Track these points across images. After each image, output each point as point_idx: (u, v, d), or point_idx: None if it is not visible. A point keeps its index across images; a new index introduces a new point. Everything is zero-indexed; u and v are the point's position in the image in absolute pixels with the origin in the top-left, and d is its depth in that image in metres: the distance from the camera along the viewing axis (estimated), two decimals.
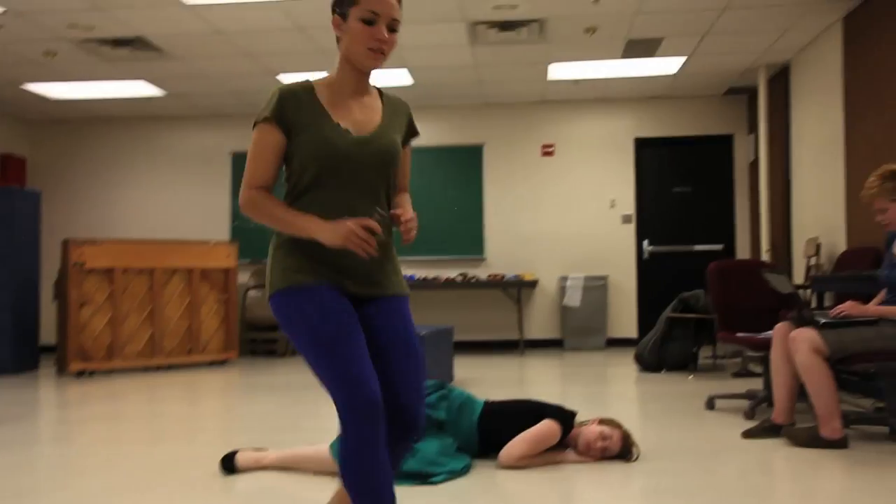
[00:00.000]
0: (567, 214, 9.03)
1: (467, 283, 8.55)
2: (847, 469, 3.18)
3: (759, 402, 4.48)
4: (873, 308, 3.65)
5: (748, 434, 3.85)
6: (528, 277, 8.66)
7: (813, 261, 6.51)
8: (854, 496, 2.77)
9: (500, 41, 6.65)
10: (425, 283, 8.61)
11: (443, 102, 9.10)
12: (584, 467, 3.29)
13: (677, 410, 4.66)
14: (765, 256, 7.60)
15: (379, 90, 2.10)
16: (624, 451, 3.37)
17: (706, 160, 9.03)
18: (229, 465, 3.24)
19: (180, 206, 9.50)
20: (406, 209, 2.04)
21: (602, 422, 3.44)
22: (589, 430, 3.38)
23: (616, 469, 3.24)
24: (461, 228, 9.12)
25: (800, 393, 3.89)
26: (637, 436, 3.83)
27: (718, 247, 8.83)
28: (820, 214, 6.66)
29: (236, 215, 9.40)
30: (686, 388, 5.61)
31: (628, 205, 8.97)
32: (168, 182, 9.53)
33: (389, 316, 2.00)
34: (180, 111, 9.28)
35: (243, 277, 9.07)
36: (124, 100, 8.56)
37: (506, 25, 6.25)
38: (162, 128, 9.57)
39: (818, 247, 6.45)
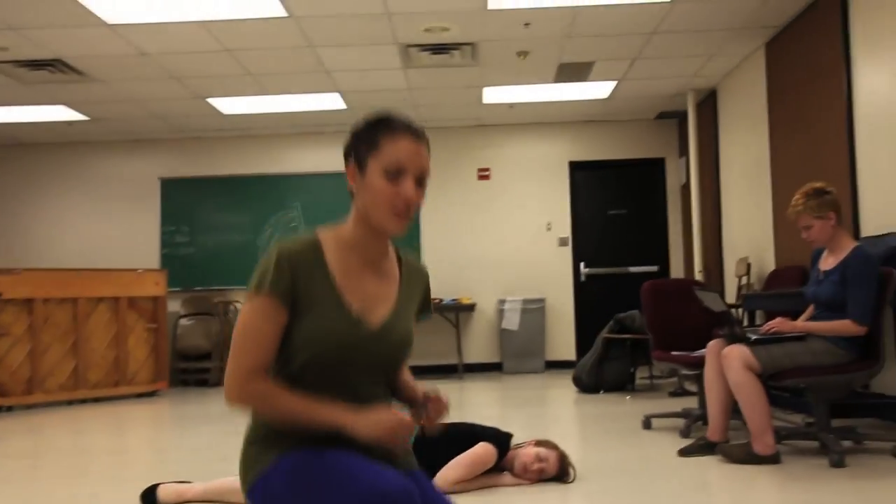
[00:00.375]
0: (504, 237, 9.04)
1: None
2: (780, 484, 3.19)
3: (694, 421, 4.49)
4: (801, 324, 3.70)
5: (684, 452, 3.85)
6: (465, 301, 8.62)
7: (744, 280, 6.63)
8: None
9: (433, 64, 6.65)
10: None
11: None
12: (521, 490, 3.23)
13: (615, 431, 4.64)
14: (698, 277, 7.72)
15: (397, 251, 1.74)
16: (561, 472, 3.32)
17: (640, 183, 9.17)
18: (150, 499, 3.07)
19: (107, 234, 9.20)
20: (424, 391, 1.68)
21: (539, 443, 3.39)
22: (525, 453, 3.33)
23: (553, 491, 3.19)
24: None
25: (733, 410, 3.91)
26: (574, 457, 3.79)
27: (654, 268, 8.94)
28: (749, 235, 6.81)
29: (165, 243, 9.15)
30: (623, 409, 5.62)
31: (564, 227, 9.04)
32: (94, 209, 9.23)
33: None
34: (105, 136, 9.02)
35: (174, 306, 8.80)
36: (45, 124, 8.27)
37: (438, 49, 6.25)
38: (86, 153, 9.28)
39: (748, 266, 6.58)
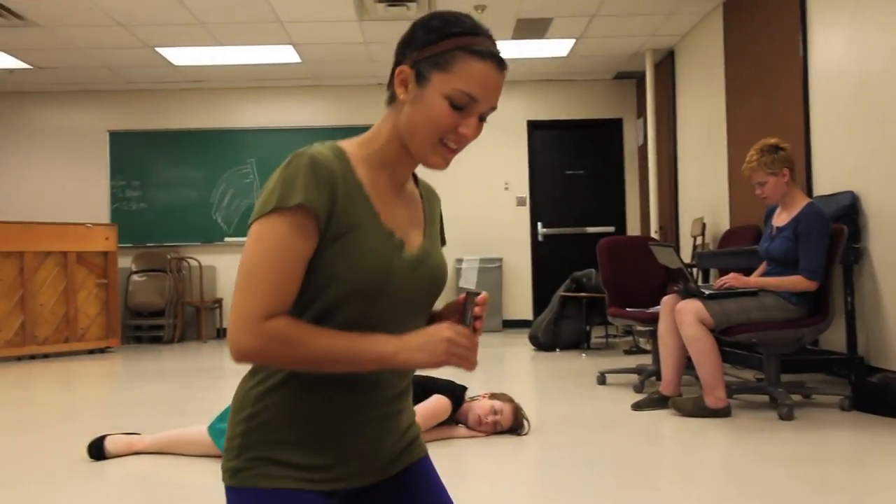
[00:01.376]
0: (462, 197, 9.00)
1: None
2: (730, 436, 3.24)
3: (647, 376, 4.55)
4: (754, 279, 3.75)
5: (637, 406, 3.90)
6: None
7: (699, 240, 6.70)
8: (737, 461, 2.82)
9: (389, 17, 6.51)
10: None
11: (332, 82, 8.90)
12: (475, 441, 3.23)
13: (570, 387, 4.68)
14: (654, 237, 7.79)
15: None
16: (515, 425, 3.34)
17: (597, 143, 9.18)
18: (97, 451, 3.01)
19: (54, 188, 8.93)
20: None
21: (493, 396, 3.39)
22: (479, 405, 3.33)
23: (507, 442, 3.20)
24: None
25: (686, 365, 3.96)
26: (529, 411, 3.81)
27: (610, 229, 9.00)
28: (705, 195, 6.87)
29: (116, 197, 8.92)
30: (579, 366, 5.67)
31: (522, 187, 9.03)
32: (40, 162, 8.94)
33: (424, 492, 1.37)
34: (49, 86, 8.71)
35: (125, 262, 8.63)
36: None
37: (394, 1, 6.11)
38: (29, 103, 8.96)
39: (703, 226, 6.64)
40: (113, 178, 8.90)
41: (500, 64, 1.24)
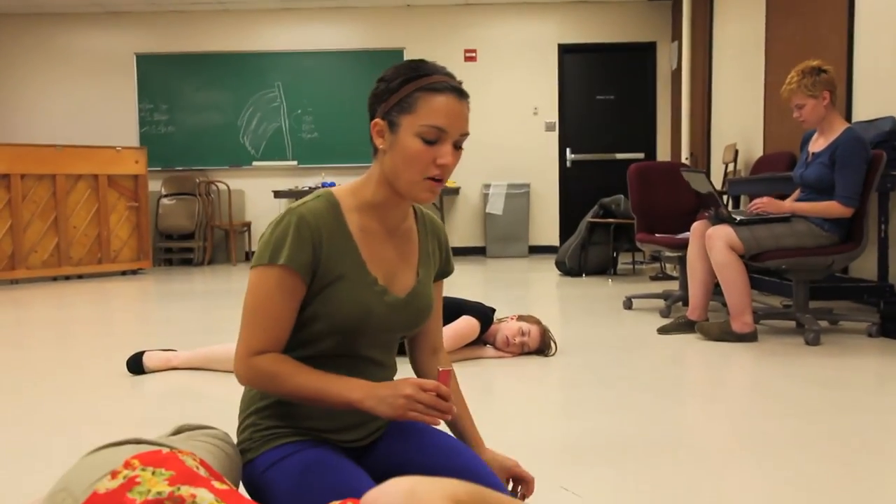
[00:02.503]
0: (490, 122, 8.91)
1: None
2: (756, 359, 3.26)
3: (674, 301, 4.56)
4: (788, 204, 3.70)
5: (663, 330, 3.92)
6: (450, 185, 8.57)
7: (730, 167, 6.61)
8: (761, 382, 2.85)
9: None
10: None
11: (362, 3, 8.75)
12: (503, 362, 3.29)
13: (596, 310, 4.72)
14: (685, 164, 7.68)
15: (413, 208, 1.54)
16: (542, 346, 3.38)
17: (630, 68, 8.99)
18: (136, 366, 3.11)
19: (83, 110, 8.97)
20: (452, 387, 1.52)
21: (521, 318, 3.43)
22: (508, 327, 3.37)
23: (534, 363, 3.25)
24: None
25: (714, 291, 3.96)
26: (556, 333, 3.86)
27: (640, 155, 8.89)
28: (739, 121, 6.73)
29: (144, 121, 8.94)
30: (605, 291, 5.69)
31: (551, 112, 8.91)
32: (68, 86, 8.97)
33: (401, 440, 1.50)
34: (76, 7, 8.66)
35: (154, 185, 8.72)
36: None
37: None
38: (56, 26, 8.93)
39: (736, 153, 6.54)
40: (141, 102, 8.92)
41: (460, 94, 1.35)
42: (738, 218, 3.71)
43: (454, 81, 1.35)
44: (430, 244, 1.54)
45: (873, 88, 4.56)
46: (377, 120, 1.36)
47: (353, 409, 1.29)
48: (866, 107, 4.63)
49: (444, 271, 1.60)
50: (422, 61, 1.36)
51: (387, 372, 1.50)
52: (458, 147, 1.36)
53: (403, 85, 1.33)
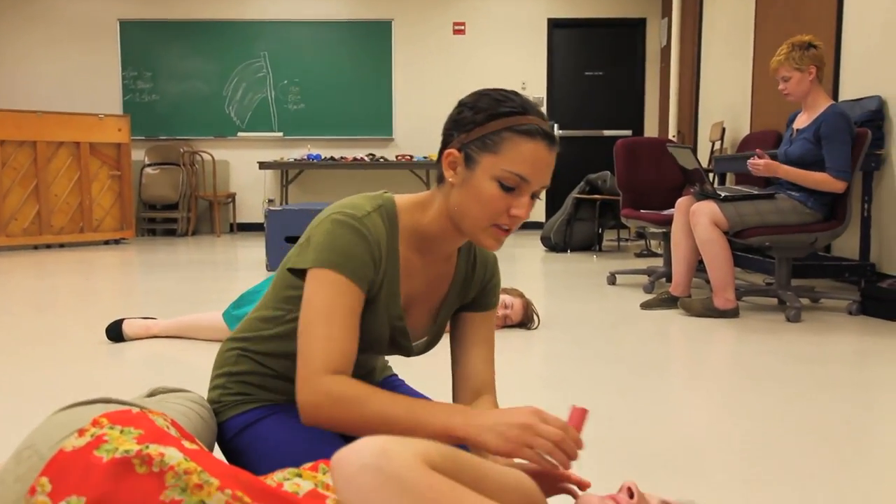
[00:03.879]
0: None
1: (375, 164, 8.37)
2: (737, 335, 3.28)
3: (658, 278, 4.58)
4: (784, 168, 3.60)
5: (646, 305, 3.93)
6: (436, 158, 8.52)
7: (717, 145, 6.61)
8: (742, 357, 2.86)
9: None
10: (332, 163, 8.38)
11: None
12: None
13: (580, 285, 4.72)
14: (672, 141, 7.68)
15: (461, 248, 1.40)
16: (525, 319, 3.38)
17: (619, 44, 8.95)
18: (115, 333, 3.08)
19: (65, 77, 8.84)
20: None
21: (504, 291, 3.42)
22: None
23: (517, 336, 3.25)
24: (369, 107, 8.86)
25: (697, 269, 3.97)
26: (539, 307, 3.86)
27: (628, 132, 8.88)
28: (726, 99, 6.72)
29: (127, 88, 8.82)
30: (590, 267, 5.70)
31: (540, 87, 8.87)
32: (50, 51, 8.82)
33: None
34: None
35: (138, 154, 8.63)
36: None
37: None
38: None
39: (723, 131, 6.54)
40: (124, 69, 8.80)
41: (551, 141, 1.20)
42: (723, 194, 3.71)
43: (547, 126, 1.20)
44: (469, 280, 1.40)
45: (860, 67, 4.56)
46: (453, 151, 1.21)
47: (449, 438, 1.07)
48: (853, 86, 4.63)
49: (483, 304, 1.41)
50: (515, 94, 1.22)
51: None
52: (534, 197, 1.22)
53: (491, 119, 1.18)
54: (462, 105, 1.23)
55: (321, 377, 1.12)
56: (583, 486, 1.16)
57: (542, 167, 1.19)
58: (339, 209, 1.22)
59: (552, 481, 1.15)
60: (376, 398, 1.10)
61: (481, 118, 1.19)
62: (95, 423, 0.91)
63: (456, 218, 1.23)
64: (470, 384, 1.38)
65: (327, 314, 1.15)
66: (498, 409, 1.08)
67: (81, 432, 0.89)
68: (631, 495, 1.01)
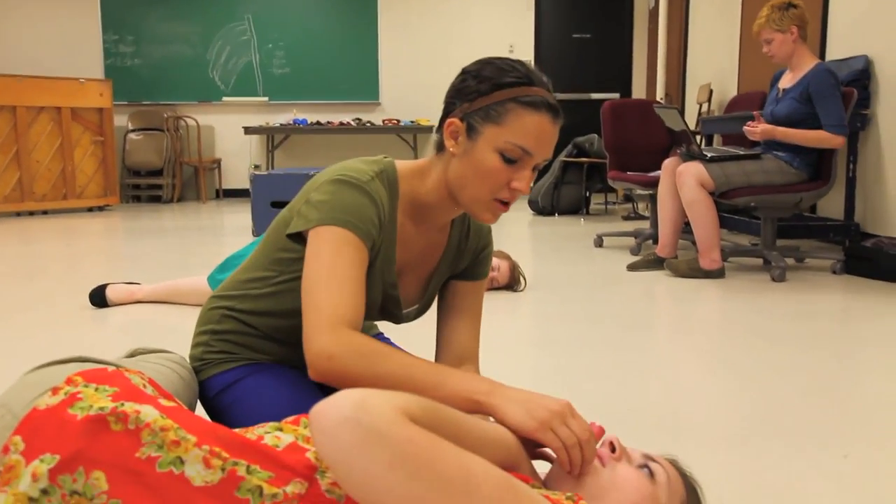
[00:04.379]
0: (465, 59, 8.72)
1: (362, 128, 8.30)
2: (723, 295, 3.29)
3: (644, 240, 4.58)
4: (781, 130, 3.57)
5: (633, 267, 3.94)
6: (423, 123, 8.47)
7: (704, 107, 6.58)
8: (728, 316, 2.87)
9: None
10: (318, 128, 8.30)
11: None
12: None
13: (567, 248, 4.72)
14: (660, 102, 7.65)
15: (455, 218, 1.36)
16: (511, 281, 3.38)
17: (607, 6, 8.86)
18: (99, 299, 3.06)
19: (43, 41, 8.68)
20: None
21: None
22: None
23: (504, 298, 3.25)
24: (355, 71, 8.76)
25: (683, 230, 3.97)
26: (526, 270, 3.86)
27: (615, 95, 8.83)
28: (714, 61, 6.68)
29: (109, 52, 8.68)
30: (577, 230, 5.70)
31: (527, 51, 8.78)
32: (27, 13, 8.64)
33: None
34: None
35: (121, 120, 8.52)
36: None
37: None
38: None
39: (710, 93, 6.50)
40: (105, 33, 8.64)
41: (556, 114, 1.18)
42: (709, 155, 3.70)
43: (552, 97, 1.18)
44: (462, 251, 1.38)
45: (847, 27, 4.53)
46: (455, 120, 1.19)
47: (473, 407, 1.03)
48: (840, 45, 4.60)
49: (474, 273, 1.39)
50: (520, 63, 1.19)
51: None
52: (534, 170, 1.20)
53: (496, 90, 1.15)
54: (465, 73, 1.20)
55: (339, 328, 1.06)
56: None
57: (546, 140, 1.17)
58: (341, 172, 1.19)
59: (532, 445, 1.15)
60: (398, 354, 1.06)
61: (485, 88, 1.16)
62: (70, 381, 0.90)
63: (454, 189, 1.21)
64: (453, 352, 1.36)
65: (338, 267, 1.10)
66: (530, 391, 1.05)
67: (55, 391, 0.88)
68: (613, 450, 1.01)
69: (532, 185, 1.20)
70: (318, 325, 1.06)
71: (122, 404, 0.85)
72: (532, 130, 1.14)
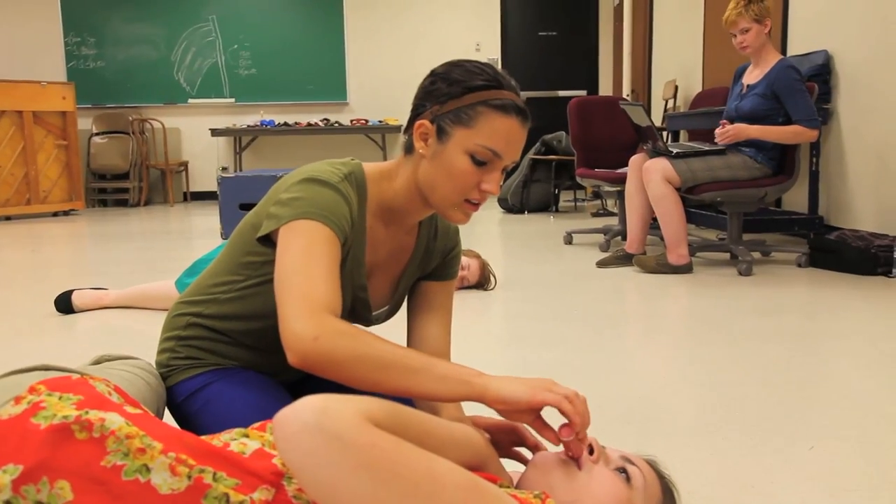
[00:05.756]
0: (432, 58, 8.75)
1: (330, 128, 8.26)
2: (691, 290, 3.33)
3: (613, 236, 4.62)
4: (755, 129, 3.57)
5: (602, 264, 3.97)
6: (392, 122, 8.45)
7: (670, 103, 6.65)
8: (696, 312, 2.91)
9: None
10: (286, 129, 8.25)
11: None
12: None
13: (537, 246, 4.74)
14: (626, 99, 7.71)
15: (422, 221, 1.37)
16: (482, 280, 3.39)
17: (571, 4, 8.91)
18: (65, 305, 3.01)
19: (2, 42, 8.52)
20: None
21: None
22: None
23: (474, 297, 3.26)
24: (322, 71, 8.72)
25: (651, 226, 4.01)
26: (496, 269, 3.87)
27: (582, 92, 8.89)
28: (679, 57, 6.75)
29: (71, 55, 8.54)
30: (546, 227, 5.72)
31: (493, 49, 8.81)
32: None
33: None
34: None
35: (84, 123, 8.39)
36: None
37: None
38: None
39: (676, 89, 6.57)
40: (66, 35, 8.51)
41: (525, 117, 1.19)
42: (675, 151, 3.74)
43: (520, 101, 1.19)
44: (430, 252, 1.38)
45: (807, 22, 4.60)
46: (425, 122, 1.19)
47: (464, 388, 1.01)
48: (800, 41, 4.68)
49: (443, 273, 1.41)
50: (489, 66, 1.20)
51: None
52: (503, 172, 1.21)
53: (466, 93, 1.16)
54: (434, 75, 1.21)
55: (320, 312, 1.02)
56: (538, 449, 1.15)
57: (515, 143, 1.18)
58: (310, 173, 1.18)
59: (505, 444, 1.16)
60: (383, 340, 1.03)
61: (456, 91, 1.17)
62: (32, 390, 0.88)
63: (425, 190, 1.21)
64: (425, 350, 1.35)
65: (314, 256, 1.08)
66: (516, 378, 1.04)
67: (18, 400, 0.86)
68: (591, 451, 1.01)
69: (501, 184, 1.20)
70: (298, 310, 1.02)
71: (87, 412, 0.84)
72: (502, 133, 1.16)
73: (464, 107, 1.16)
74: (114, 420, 0.84)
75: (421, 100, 1.21)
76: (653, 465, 1.05)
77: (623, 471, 0.99)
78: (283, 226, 1.12)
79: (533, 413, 1.02)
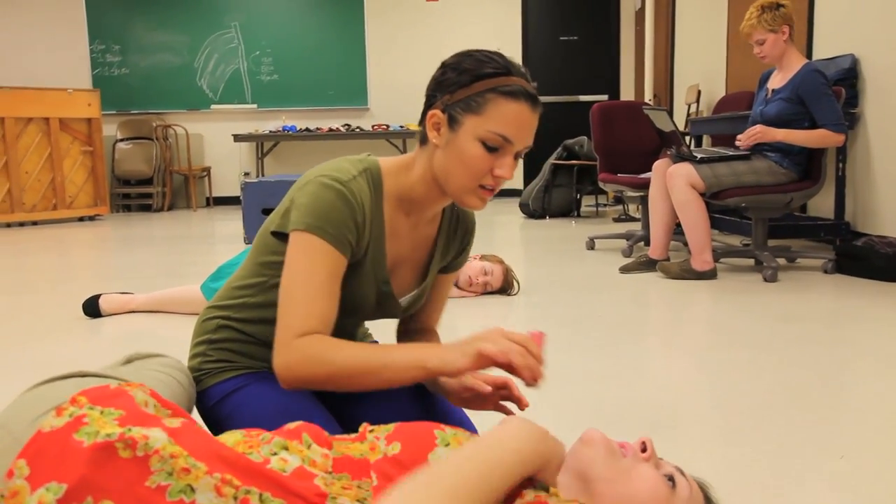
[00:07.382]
0: None
1: (351, 134, 8.30)
2: (715, 296, 3.30)
3: (636, 241, 4.60)
4: (782, 132, 3.55)
5: (625, 269, 3.95)
6: (413, 127, 8.48)
7: (693, 108, 6.61)
8: (720, 318, 2.89)
9: None
10: (307, 134, 8.30)
11: None
12: (466, 301, 3.29)
13: (559, 251, 4.73)
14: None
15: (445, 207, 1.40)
16: (505, 285, 3.38)
17: (593, 8, 8.89)
18: (92, 309, 3.05)
19: (30, 52, 8.65)
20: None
21: (483, 258, 3.42)
22: (470, 266, 3.37)
23: (497, 302, 3.26)
24: (343, 77, 8.76)
25: (675, 232, 3.99)
26: (518, 274, 3.87)
27: (603, 97, 8.86)
28: (702, 62, 6.71)
29: (96, 62, 8.65)
30: (568, 233, 5.71)
31: (515, 53, 8.80)
32: (12, 23, 8.61)
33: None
34: None
35: (109, 130, 8.49)
36: None
37: None
38: None
39: (698, 93, 6.53)
40: (91, 42, 8.62)
41: (534, 102, 1.21)
42: (699, 156, 3.72)
43: (530, 87, 1.21)
44: (452, 240, 1.42)
45: (833, 26, 4.56)
46: (436, 112, 1.21)
47: (423, 373, 1.10)
48: (826, 44, 4.63)
49: (454, 265, 1.46)
50: (498, 55, 1.22)
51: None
52: (517, 157, 1.23)
53: (475, 81, 1.18)
54: (445, 66, 1.23)
55: (294, 340, 1.13)
56: (522, 405, 1.24)
57: (526, 128, 1.20)
58: (324, 172, 1.22)
59: (496, 399, 1.25)
60: (345, 346, 1.13)
61: (465, 79, 1.19)
62: (74, 401, 0.89)
63: (441, 179, 1.24)
64: (420, 322, 1.48)
65: (306, 279, 1.16)
66: (457, 341, 1.13)
67: (59, 411, 0.87)
68: (644, 449, 0.99)
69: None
70: (279, 343, 1.14)
71: (130, 430, 0.84)
72: (512, 119, 1.18)
73: (473, 95, 1.18)
74: (157, 437, 0.84)
75: (432, 90, 1.24)
76: (703, 488, 1.03)
77: (671, 478, 0.97)
78: (292, 232, 1.20)
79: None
